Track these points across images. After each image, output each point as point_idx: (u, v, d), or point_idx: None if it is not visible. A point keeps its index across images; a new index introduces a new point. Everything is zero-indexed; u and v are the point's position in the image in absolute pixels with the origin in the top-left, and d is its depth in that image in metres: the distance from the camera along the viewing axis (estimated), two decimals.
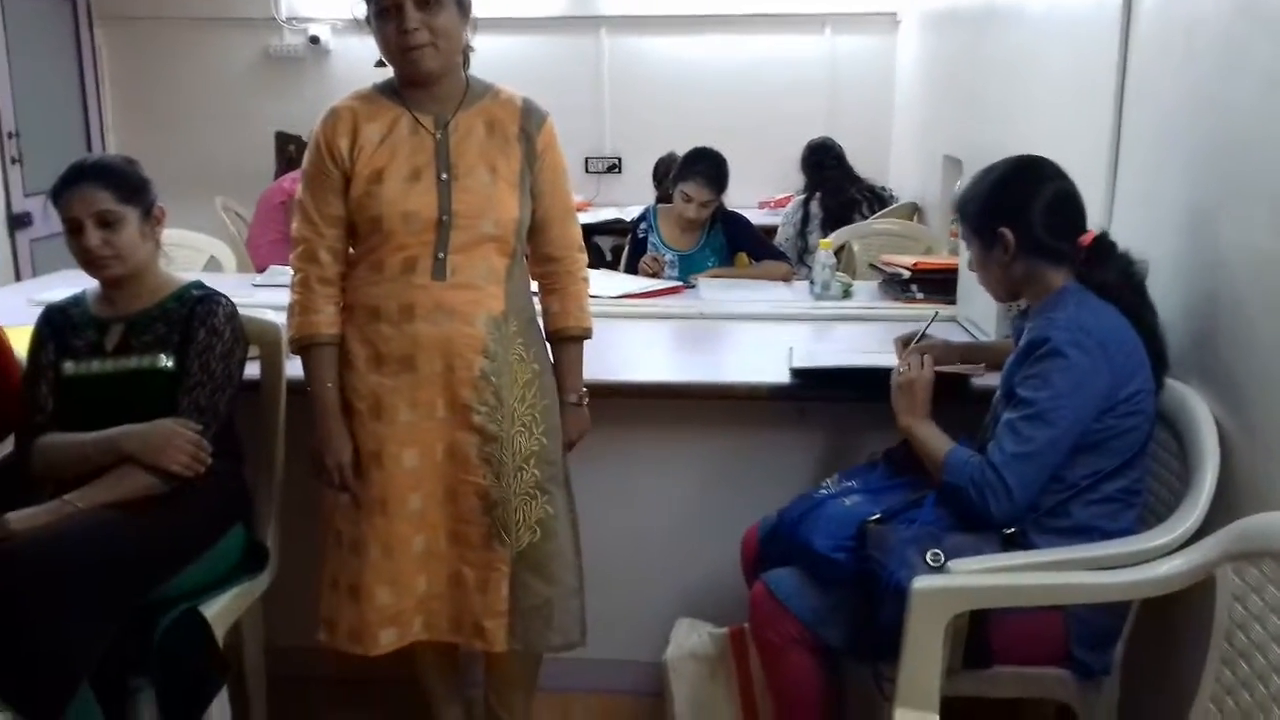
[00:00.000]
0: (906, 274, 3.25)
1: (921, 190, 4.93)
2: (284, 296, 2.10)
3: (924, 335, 2.32)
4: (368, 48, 2.03)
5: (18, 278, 4.81)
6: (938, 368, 2.08)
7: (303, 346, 2.05)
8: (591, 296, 2.23)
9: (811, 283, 3.40)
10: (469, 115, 2.05)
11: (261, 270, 3.81)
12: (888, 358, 2.30)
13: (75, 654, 1.75)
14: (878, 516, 1.91)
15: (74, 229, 2.05)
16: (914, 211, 4.92)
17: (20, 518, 1.88)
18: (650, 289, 3.43)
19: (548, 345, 2.18)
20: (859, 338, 2.89)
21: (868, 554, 1.85)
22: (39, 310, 2.20)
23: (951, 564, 1.77)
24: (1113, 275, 1.92)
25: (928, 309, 2.69)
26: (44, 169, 4.51)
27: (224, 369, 2.09)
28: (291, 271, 2.06)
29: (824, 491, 2.09)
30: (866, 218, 4.70)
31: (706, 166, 3.68)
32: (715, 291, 3.40)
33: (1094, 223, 2.23)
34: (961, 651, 1.85)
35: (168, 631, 1.91)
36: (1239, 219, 1.81)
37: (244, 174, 5.51)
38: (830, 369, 2.41)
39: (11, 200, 4.96)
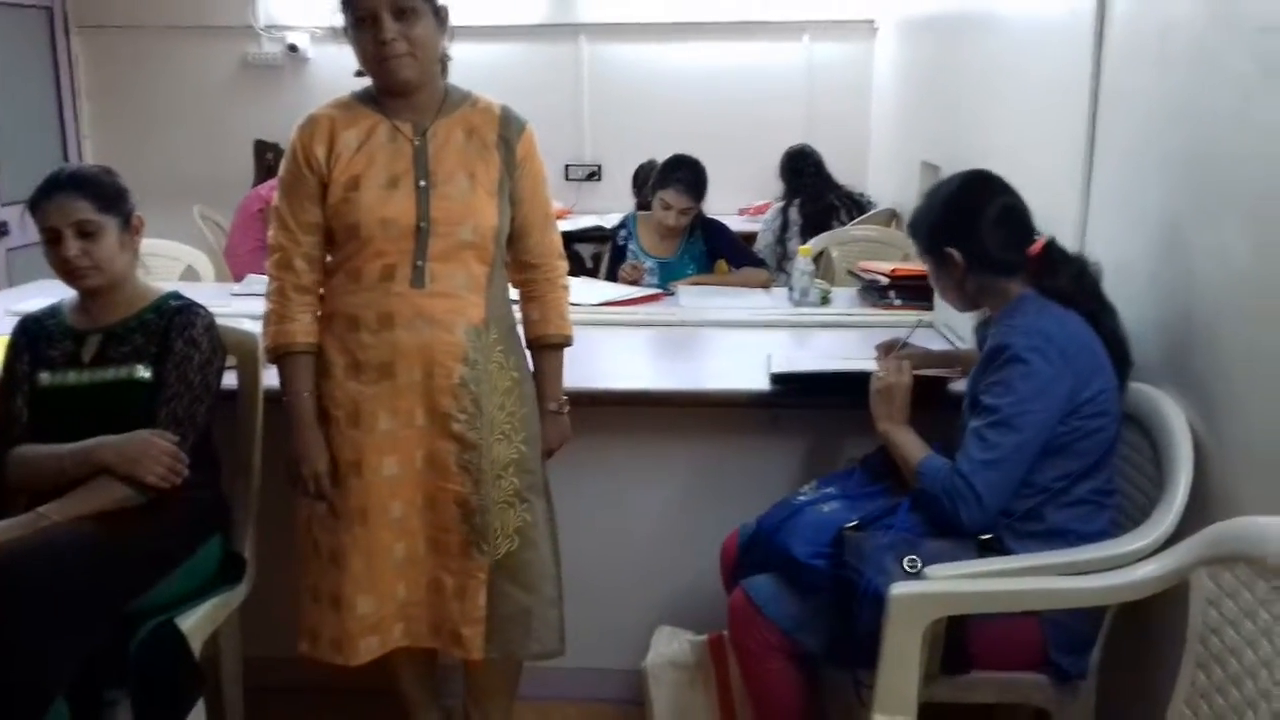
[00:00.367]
0: (885, 280, 3.26)
1: (899, 196, 4.94)
2: (262, 305, 2.09)
3: (906, 343, 2.33)
4: (346, 56, 2.03)
5: None
6: (916, 372, 2.09)
7: (278, 355, 2.04)
8: (572, 304, 2.24)
9: (790, 289, 3.41)
10: (448, 123, 2.05)
11: (240, 279, 3.78)
12: (866, 363, 2.31)
13: (49, 669, 1.73)
14: (855, 523, 1.92)
15: (52, 239, 2.03)
16: (892, 218, 4.94)
17: None
18: (630, 296, 3.44)
19: (528, 353, 2.18)
20: (838, 344, 2.89)
21: (845, 561, 1.86)
22: (15, 321, 2.18)
23: (928, 570, 1.77)
24: (1065, 280, 1.95)
25: (906, 315, 2.70)
26: (20, 178, 4.49)
27: (202, 380, 2.07)
28: (267, 279, 2.06)
29: (802, 498, 2.10)
30: (845, 224, 4.72)
31: (685, 174, 3.70)
32: (695, 299, 3.40)
33: (1068, 229, 2.25)
34: (939, 657, 1.86)
35: (144, 644, 1.90)
36: (1212, 225, 1.82)
37: (222, 182, 5.48)
38: (809, 374, 2.42)
39: None
